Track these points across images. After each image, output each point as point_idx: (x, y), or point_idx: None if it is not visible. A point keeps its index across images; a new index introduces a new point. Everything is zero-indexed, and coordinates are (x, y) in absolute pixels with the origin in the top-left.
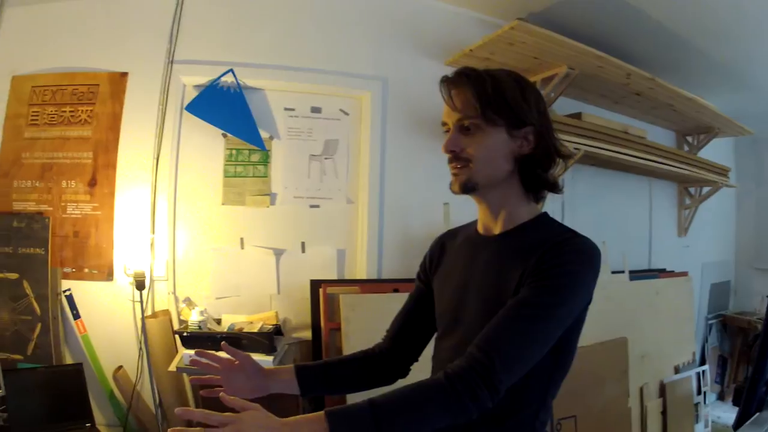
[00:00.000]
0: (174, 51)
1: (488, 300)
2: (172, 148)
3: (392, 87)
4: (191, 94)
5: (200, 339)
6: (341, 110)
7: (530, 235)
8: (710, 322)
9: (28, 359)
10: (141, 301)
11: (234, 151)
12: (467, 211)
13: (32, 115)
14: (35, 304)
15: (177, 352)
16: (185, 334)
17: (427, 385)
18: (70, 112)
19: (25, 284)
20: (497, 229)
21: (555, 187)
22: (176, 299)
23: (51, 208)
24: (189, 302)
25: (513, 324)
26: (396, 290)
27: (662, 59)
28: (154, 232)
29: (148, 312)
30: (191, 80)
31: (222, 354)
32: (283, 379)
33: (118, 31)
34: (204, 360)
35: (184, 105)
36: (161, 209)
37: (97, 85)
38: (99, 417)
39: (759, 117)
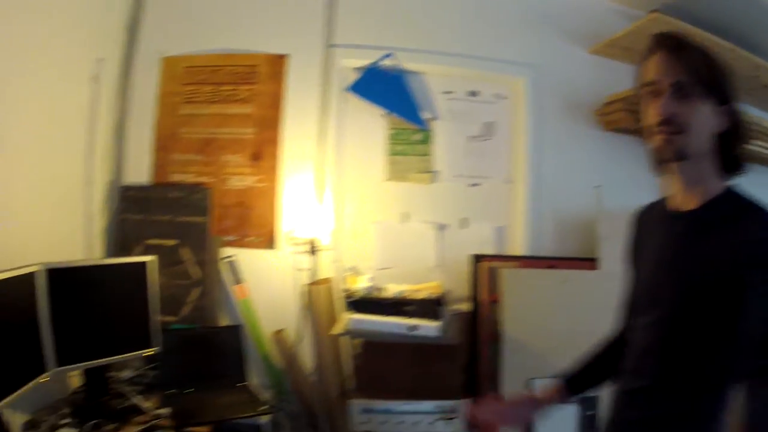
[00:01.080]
0: (333, 35)
1: (688, 279)
2: (335, 126)
3: (544, 73)
4: (350, 76)
5: (368, 304)
6: (497, 94)
7: (724, 211)
8: None
9: (180, 321)
10: (307, 269)
11: (396, 131)
12: (619, 194)
13: (189, 94)
14: (193, 270)
15: (338, 318)
16: (354, 299)
17: None
18: (230, 91)
19: (183, 251)
20: (690, 204)
21: (744, 168)
22: (340, 268)
23: (212, 180)
24: (355, 270)
25: None
26: (552, 267)
27: None
28: (320, 204)
29: (312, 279)
30: (350, 63)
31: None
32: (551, 399)
33: (275, 15)
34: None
35: (345, 86)
36: (327, 183)
37: (256, 65)
38: (254, 379)
39: None
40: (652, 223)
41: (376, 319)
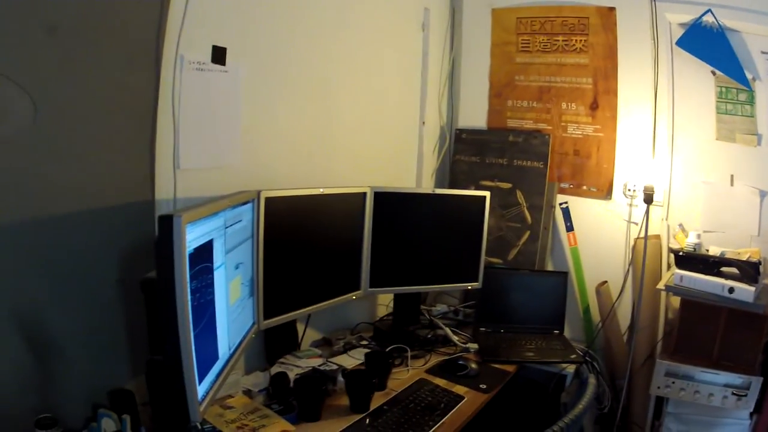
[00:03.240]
0: None
1: None
2: (668, 80)
3: None
4: (677, 31)
5: (695, 260)
6: None
7: None
8: None
9: (507, 263)
10: (638, 223)
11: (723, 89)
12: None
13: (522, 43)
14: (526, 213)
15: (662, 275)
16: (681, 253)
17: None
18: (564, 41)
19: (518, 194)
20: None
21: None
22: (668, 226)
23: (550, 127)
24: (683, 228)
25: None
26: None
27: None
28: (654, 158)
29: (643, 233)
30: (675, 18)
31: None
32: None
33: None
34: None
35: (673, 40)
36: (660, 138)
37: (587, 17)
38: (567, 330)
39: None
40: None
41: (699, 277)
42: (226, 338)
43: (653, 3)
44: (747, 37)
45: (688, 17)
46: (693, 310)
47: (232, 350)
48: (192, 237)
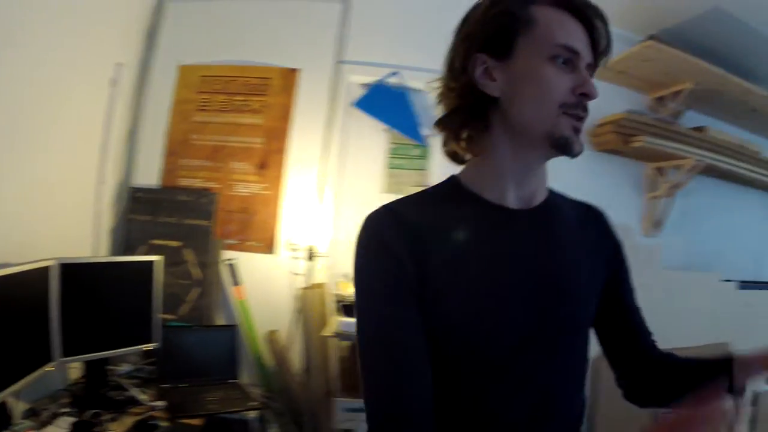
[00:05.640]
0: (343, 51)
1: (590, 292)
2: (339, 139)
3: None
4: (357, 91)
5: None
6: None
7: (565, 203)
8: None
9: (179, 319)
10: (302, 274)
11: (396, 146)
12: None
13: (202, 102)
14: (194, 270)
15: (328, 321)
16: (344, 303)
17: None
18: (242, 101)
19: (186, 252)
20: (538, 199)
21: None
22: (334, 274)
23: (220, 186)
24: (347, 277)
25: None
26: None
27: None
28: (319, 213)
29: (309, 283)
30: (358, 79)
31: None
32: None
33: (289, 30)
34: None
35: (351, 101)
36: (327, 193)
37: (269, 78)
38: (245, 377)
39: None
40: (476, 232)
41: None
42: None
43: (338, 65)
44: (430, 96)
45: (370, 78)
46: None
47: None
48: None
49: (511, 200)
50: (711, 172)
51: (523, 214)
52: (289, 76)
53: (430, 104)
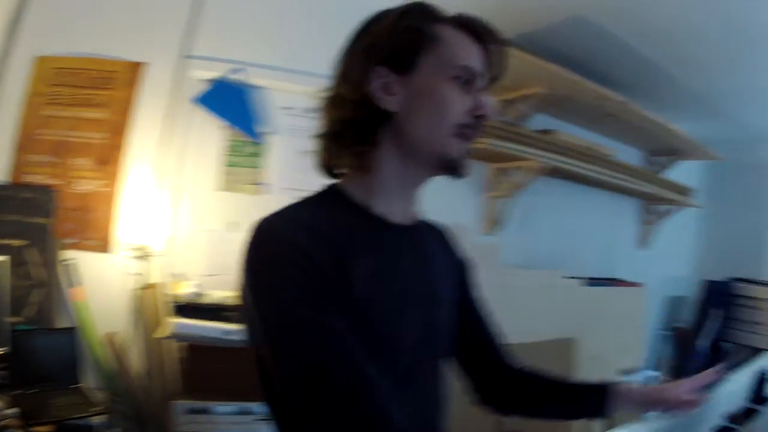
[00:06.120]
0: (191, 46)
1: (454, 311)
2: (179, 136)
3: None
4: (200, 88)
5: (190, 309)
6: None
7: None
8: (664, 332)
9: (26, 322)
10: (139, 274)
11: (233, 143)
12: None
13: (52, 95)
14: (37, 271)
15: (164, 322)
16: (178, 303)
17: None
18: (87, 94)
19: (30, 252)
20: (415, 216)
21: None
22: (169, 274)
23: (62, 182)
24: (182, 276)
25: None
26: None
27: (639, 85)
28: (156, 211)
29: (145, 283)
30: (202, 75)
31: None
32: None
33: (137, 23)
34: None
35: (194, 97)
36: (165, 191)
37: (116, 71)
38: (88, 380)
39: (731, 143)
40: (376, 245)
41: (198, 324)
42: None
43: (184, 60)
44: (272, 94)
45: (214, 74)
46: (200, 352)
47: None
48: None
49: (397, 216)
50: (557, 173)
51: (408, 231)
52: (135, 69)
53: (271, 102)
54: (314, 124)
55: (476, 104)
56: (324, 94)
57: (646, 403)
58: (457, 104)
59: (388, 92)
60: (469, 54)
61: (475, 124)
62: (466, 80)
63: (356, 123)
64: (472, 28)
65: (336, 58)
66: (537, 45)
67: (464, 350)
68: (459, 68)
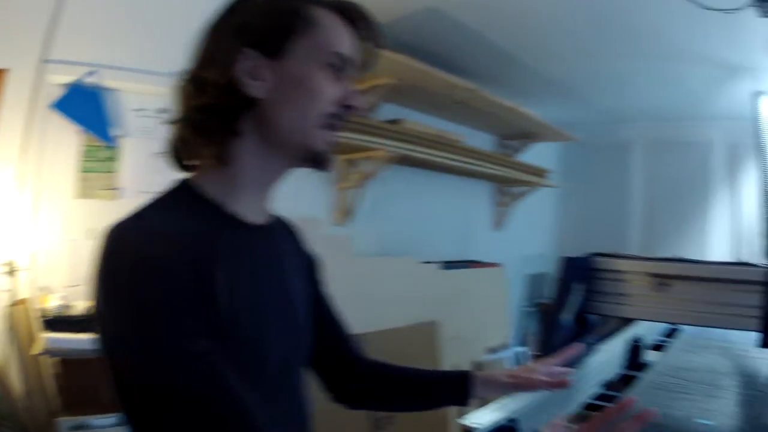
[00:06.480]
0: (51, 50)
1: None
2: (38, 144)
3: None
4: (59, 93)
5: (59, 322)
6: None
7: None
8: (528, 309)
9: None
10: (6, 291)
11: (89, 148)
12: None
13: None
14: None
15: (37, 338)
16: (46, 318)
17: None
18: None
19: None
20: (270, 214)
21: None
22: (36, 288)
23: None
24: (48, 289)
25: None
26: None
27: (496, 74)
28: (17, 225)
29: (14, 300)
30: (60, 79)
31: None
32: None
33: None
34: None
35: (51, 103)
36: (25, 202)
37: None
38: None
39: (585, 125)
40: (244, 249)
41: (68, 337)
42: None
43: (43, 64)
44: (124, 96)
45: (72, 78)
46: (76, 366)
47: None
48: None
49: (252, 214)
50: (406, 161)
51: (263, 231)
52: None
53: (123, 104)
54: (166, 124)
55: (346, 94)
56: (182, 76)
57: (510, 386)
58: (328, 93)
59: (255, 77)
60: (343, 41)
61: (342, 114)
62: (338, 68)
63: (218, 110)
64: (348, 13)
65: (198, 36)
66: (388, 36)
67: (316, 349)
68: (333, 55)
